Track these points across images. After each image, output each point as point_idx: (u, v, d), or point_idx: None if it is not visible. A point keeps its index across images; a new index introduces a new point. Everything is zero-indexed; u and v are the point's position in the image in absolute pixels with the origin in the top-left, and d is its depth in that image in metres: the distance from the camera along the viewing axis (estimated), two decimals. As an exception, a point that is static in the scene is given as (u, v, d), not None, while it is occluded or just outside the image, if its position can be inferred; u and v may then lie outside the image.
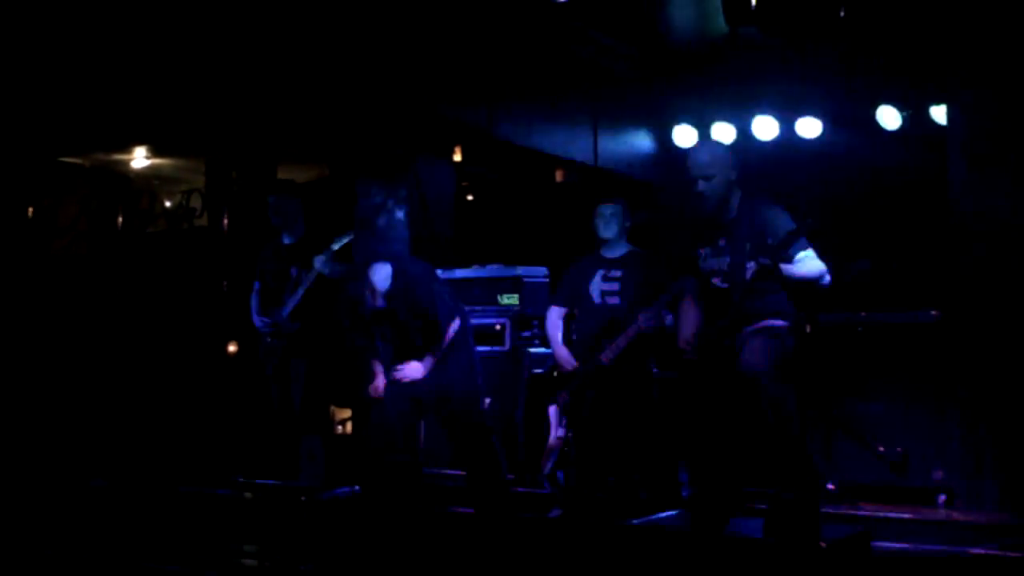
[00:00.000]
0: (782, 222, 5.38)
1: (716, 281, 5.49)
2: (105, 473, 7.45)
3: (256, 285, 7.18)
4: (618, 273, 6.42)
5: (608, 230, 6.45)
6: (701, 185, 5.40)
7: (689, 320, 5.65)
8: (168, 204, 10.69)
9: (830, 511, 5.79)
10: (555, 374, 6.62)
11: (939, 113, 7.89)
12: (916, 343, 6.51)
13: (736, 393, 5.44)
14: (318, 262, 6.75)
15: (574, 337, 6.58)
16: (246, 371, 7.21)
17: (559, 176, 10.33)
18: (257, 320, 7.06)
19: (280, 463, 6.86)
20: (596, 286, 6.44)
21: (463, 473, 6.41)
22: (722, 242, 5.46)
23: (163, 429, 8.53)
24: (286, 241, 7.12)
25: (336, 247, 6.77)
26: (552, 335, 6.61)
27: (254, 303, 7.13)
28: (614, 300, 6.38)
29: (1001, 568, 5.19)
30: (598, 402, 6.30)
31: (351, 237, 6.82)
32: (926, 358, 6.45)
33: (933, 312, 6.51)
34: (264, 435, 7.07)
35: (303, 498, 5.60)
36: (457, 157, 9.04)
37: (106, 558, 5.88)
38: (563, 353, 6.50)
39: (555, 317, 6.63)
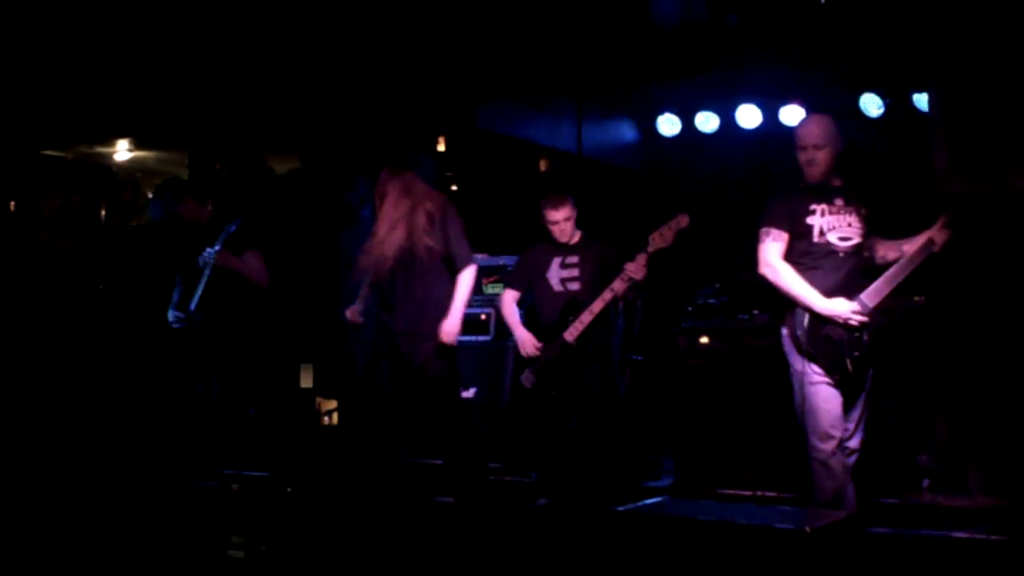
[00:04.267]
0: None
1: (835, 241, 5.52)
2: (88, 465, 7.44)
3: (177, 279, 7.05)
4: (575, 259, 6.46)
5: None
6: (811, 154, 5.50)
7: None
8: (151, 196, 10.66)
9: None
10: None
11: (921, 100, 7.91)
12: (901, 328, 6.52)
13: None
14: (206, 253, 6.62)
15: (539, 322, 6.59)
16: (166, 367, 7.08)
17: (543, 165, 10.33)
18: (169, 314, 6.90)
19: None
20: (555, 273, 6.49)
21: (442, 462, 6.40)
22: (839, 200, 5.55)
23: (145, 421, 8.51)
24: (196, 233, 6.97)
25: (224, 237, 6.66)
26: (510, 318, 6.62)
27: (174, 297, 6.99)
28: (574, 285, 6.43)
29: (986, 551, 5.23)
30: (564, 382, 6.32)
31: (239, 224, 6.72)
32: (910, 343, 6.46)
33: (917, 298, 6.52)
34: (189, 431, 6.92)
35: (289, 489, 5.60)
36: (441, 147, 9.03)
37: (93, 549, 5.88)
38: (523, 334, 6.50)
39: (510, 300, 6.66)
